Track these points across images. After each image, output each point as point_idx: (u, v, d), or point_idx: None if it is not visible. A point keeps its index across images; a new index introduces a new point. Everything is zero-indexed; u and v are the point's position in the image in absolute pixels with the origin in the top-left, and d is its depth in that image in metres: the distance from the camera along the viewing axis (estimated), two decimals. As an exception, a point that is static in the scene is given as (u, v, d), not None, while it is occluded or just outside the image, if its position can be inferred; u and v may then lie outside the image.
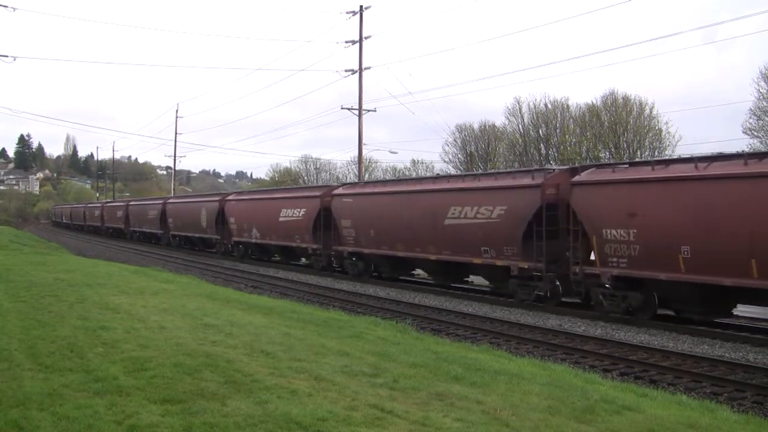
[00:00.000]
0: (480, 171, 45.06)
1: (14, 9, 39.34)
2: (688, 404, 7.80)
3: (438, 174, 27.64)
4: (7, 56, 34.93)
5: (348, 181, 36.22)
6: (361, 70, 34.64)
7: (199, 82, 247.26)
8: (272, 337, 9.83)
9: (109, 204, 65.91)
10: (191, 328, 10.41)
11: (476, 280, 21.59)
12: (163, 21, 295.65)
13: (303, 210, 27.21)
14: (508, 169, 20.73)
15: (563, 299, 17.27)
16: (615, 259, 14.74)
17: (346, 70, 35.40)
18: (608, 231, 14.79)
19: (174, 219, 43.07)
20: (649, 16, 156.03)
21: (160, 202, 47.45)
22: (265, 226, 30.41)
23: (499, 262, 17.79)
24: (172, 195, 56.17)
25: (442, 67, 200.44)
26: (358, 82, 34.69)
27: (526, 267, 16.91)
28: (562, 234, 16.32)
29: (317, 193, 26.90)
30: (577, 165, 18.76)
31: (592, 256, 15.70)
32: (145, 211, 50.39)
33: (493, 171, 24.35)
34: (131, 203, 56.25)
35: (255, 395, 6.43)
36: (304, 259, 30.58)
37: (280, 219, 28.72)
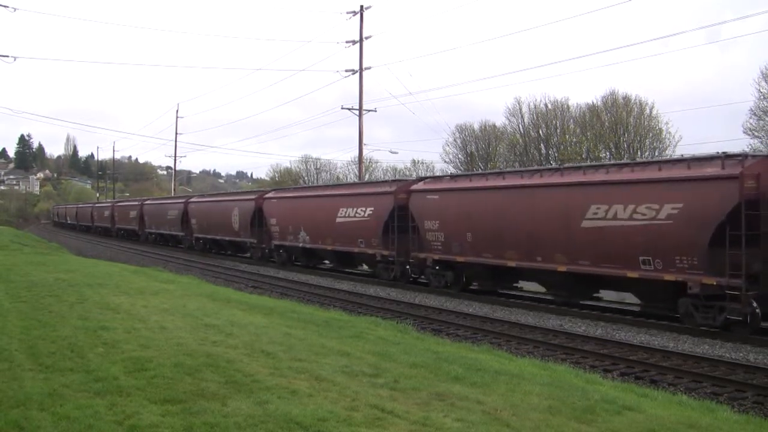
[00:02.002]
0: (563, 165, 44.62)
1: (14, 9, 39.35)
2: (689, 404, 7.80)
3: (564, 164, 21.95)
4: (7, 56, 35.01)
5: (430, 175, 31.35)
6: (361, 70, 34.65)
7: (200, 82, 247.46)
8: (273, 338, 9.83)
9: (120, 203, 61.03)
10: (192, 328, 10.41)
11: (607, 294, 18.46)
12: (164, 21, 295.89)
13: (370, 209, 22.93)
14: (679, 156, 16.01)
15: (763, 325, 13.44)
16: None
17: (346, 70, 35.45)
18: None
19: (198, 220, 39.02)
20: (651, 15, 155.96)
21: (182, 201, 43.34)
22: (317, 229, 26.25)
23: (668, 276, 13.85)
24: (195, 193, 53.09)
25: (443, 67, 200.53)
26: (358, 83, 34.74)
27: (713, 283, 13.08)
28: (764, 239, 12.64)
29: (390, 189, 22.44)
30: None
31: None
32: (163, 211, 46.14)
33: (655, 160, 18.47)
34: (147, 202, 52.03)
35: (255, 395, 6.43)
36: (365, 267, 26.48)
37: (338, 220, 24.53)
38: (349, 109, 35.60)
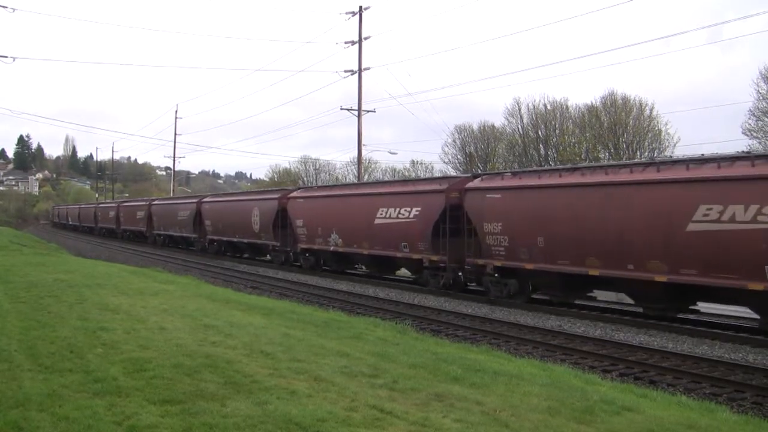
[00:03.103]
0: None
1: (14, 9, 39.36)
2: (688, 405, 7.80)
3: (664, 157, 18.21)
4: (7, 56, 35.09)
5: (487, 172, 27.38)
6: (360, 70, 34.67)
7: (199, 82, 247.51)
8: (272, 338, 9.83)
9: (126, 203, 58.19)
10: (191, 328, 10.40)
11: (709, 307, 16.26)
12: (164, 21, 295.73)
13: (416, 209, 20.65)
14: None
15: None
16: None
17: (345, 71, 35.48)
18: None
19: (213, 221, 36.63)
20: (652, 15, 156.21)
21: (194, 201, 40.78)
22: (352, 231, 23.87)
23: None
24: (208, 193, 48.83)
25: (442, 67, 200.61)
26: (357, 83, 34.75)
27: None
28: None
29: (441, 187, 20.18)
30: None
31: None
32: (173, 211, 43.61)
33: None
34: (155, 202, 49.44)
35: (254, 396, 6.43)
36: (405, 271, 24.45)
37: (377, 221, 22.20)
38: (348, 109, 35.64)
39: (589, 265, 15.37)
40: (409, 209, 20.92)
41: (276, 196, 30.24)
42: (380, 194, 22.97)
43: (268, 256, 32.17)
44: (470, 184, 19.03)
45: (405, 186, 22.85)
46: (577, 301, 17.34)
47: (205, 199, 39.50)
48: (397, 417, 5.97)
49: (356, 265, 26.90)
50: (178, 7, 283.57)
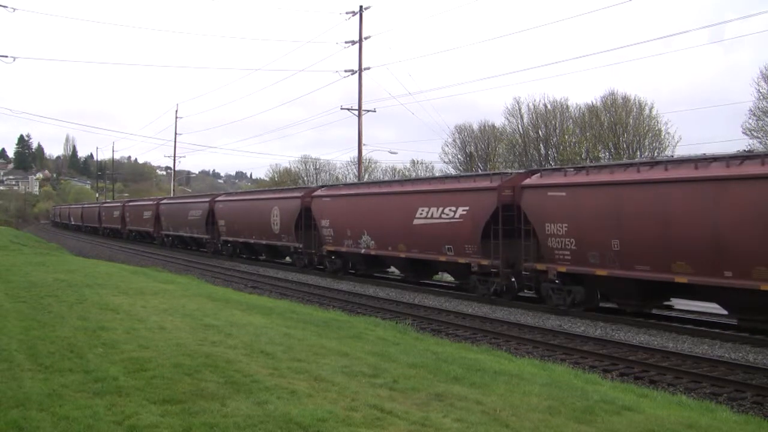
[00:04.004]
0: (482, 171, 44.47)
1: (14, 9, 39.39)
2: (688, 404, 7.81)
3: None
4: (7, 56, 35.11)
5: (546, 167, 24.29)
6: (360, 70, 34.67)
7: (200, 82, 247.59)
8: (272, 338, 9.83)
9: (133, 203, 55.90)
10: (191, 328, 10.41)
11: None
12: (164, 21, 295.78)
13: (463, 209, 18.76)
14: None
15: None
16: None
17: (345, 71, 35.48)
18: None
19: (227, 221, 34.60)
20: (653, 15, 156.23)
21: (206, 200, 38.48)
22: (386, 232, 22.01)
23: None
24: (221, 192, 46.18)
25: (443, 67, 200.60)
26: (357, 83, 34.75)
27: None
28: None
29: (492, 184, 18.08)
30: None
31: None
32: (183, 211, 41.13)
33: None
34: (163, 202, 47.05)
35: (255, 396, 6.43)
36: (445, 276, 22.96)
37: (416, 222, 20.40)
38: (348, 109, 35.63)
39: (676, 271, 13.54)
40: (454, 209, 19.07)
41: (299, 194, 28.24)
42: (420, 192, 20.97)
43: (288, 259, 30.69)
44: (528, 181, 17.14)
45: (449, 183, 20.51)
46: (653, 311, 15.83)
47: (219, 198, 37.30)
48: (398, 417, 5.97)
49: (387, 269, 25.42)
50: (179, 7, 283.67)
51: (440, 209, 19.56)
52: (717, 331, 13.82)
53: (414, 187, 21.92)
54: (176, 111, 66.84)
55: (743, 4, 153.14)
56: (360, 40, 34.58)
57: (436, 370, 8.12)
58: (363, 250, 23.30)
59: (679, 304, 16.34)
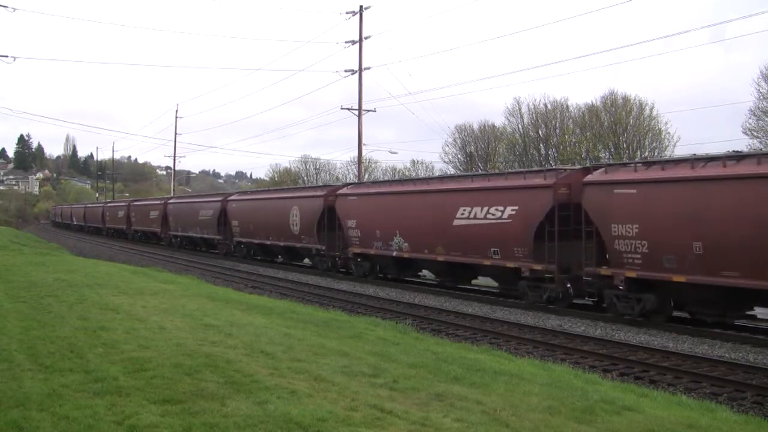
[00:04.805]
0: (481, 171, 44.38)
1: (14, 9, 39.33)
2: (688, 404, 7.81)
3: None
4: (7, 56, 35.06)
5: (608, 161, 23.01)
6: (360, 70, 34.68)
7: (200, 82, 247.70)
8: (272, 338, 9.83)
9: (138, 203, 54.59)
10: (191, 328, 10.41)
11: None
12: (164, 21, 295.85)
13: (512, 208, 17.27)
14: None
15: None
16: None
17: (346, 71, 35.48)
18: None
19: (241, 222, 33.19)
20: (653, 15, 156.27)
21: (218, 199, 37.13)
22: (421, 234, 20.53)
23: None
24: (234, 191, 44.67)
25: (443, 67, 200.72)
26: (357, 83, 34.76)
27: None
28: None
29: (546, 181, 16.64)
30: None
31: None
32: (193, 211, 39.64)
33: None
34: (171, 201, 45.53)
35: (255, 395, 6.43)
36: (479, 280, 21.59)
37: (456, 222, 18.96)
38: (348, 109, 35.63)
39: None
40: (501, 208, 17.56)
41: (321, 193, 26.65)
42: (461, 191, 19.41)
43: (306, 261, 29.39)
44: (590, 177, 15.64)
45: (495, 181, 18.78)
46: (736, 322, 14.45)
47: (232, 197, 35.70)
48: (398, 416, 5.97)
49: (419, 273, 24.16)
50: (179, 7, 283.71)
51: (485, 209, 18.10)
52: (717, 330, 13.81)
53: (454, 185, 20.18)
54: (176, 111, 66.86)
55: (744, 4, 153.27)
56: (360, 40, 34.58)
57: (436, 370, 8.12)
58: (395, 253, 21.89)
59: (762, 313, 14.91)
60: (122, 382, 6.81)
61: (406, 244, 21.32)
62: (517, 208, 17.16)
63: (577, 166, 19.02)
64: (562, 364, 10.61)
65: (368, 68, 34.91)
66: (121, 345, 8.77)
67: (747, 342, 12.78)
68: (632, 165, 15.27)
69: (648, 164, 14.99)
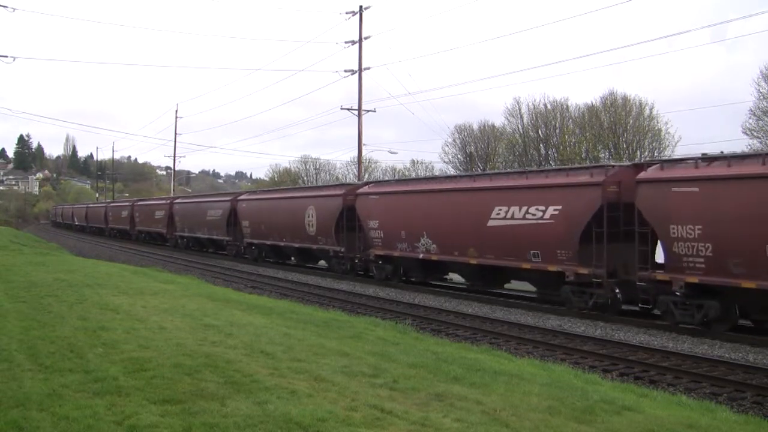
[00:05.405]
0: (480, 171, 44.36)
1: (14, 9, 39.36)
2: (688, 404, 7.81)
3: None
4: (7, 56, 35.11)
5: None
6: (360, 70, 34.68)
7: (200, 82, 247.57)
8: (272, 338, 9.83)
9: (142, 203, 53.29)
10: (191, 328, 10.41)
11: None
12: (164, 21, 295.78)
13: (555, 207, 16.16)
14: None
15: None
16: None
17: (345, 71, 35.49)
18: None
19: (252, 222, 31.98)
20: (654, 15, 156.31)
21: (228, 199, 35.70)
22: (452, 235, 19.34)
23: None
24: (244, 190, 43.40)
25: (443, 67, 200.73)
26: (357, 83, 34.76)
27: None
28: None
29: (593, 179, 15.58)
30: None
31: None
32: (200, 211, 38.37)
33: None
34: (176, 201, 44.34)
35: (255, 395, 6.43)
36: (512, 284, 20.25)
37: (490, 223, 17.76)
38: (348, 109, 35.64)
39: None
40: (543, 208, 16.40)
41: (340, 192, 25.35)
42: (497, 189, 18.14)
43: (322, 262, 28.25)
44: (644, 175, 14.47)
45: (534, 178, 17.53)
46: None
47: (242, 197, 34.37)
48: (398, 417, 5.97)
49: (446, 276, 22.94)
50: (179, 7, 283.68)
51: (523, 208, 16.88)
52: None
53: (489, 183, 18.81)
54: (176, 111, 66.84)
55: (745, 4, 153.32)
56: (360, 40, 34.59)
57: (436, 370, 8.12)
58: (421, 255, 20.65)
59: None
60: (122, 382, 6.81)
61: (434, 245, 20.09)
62: (560, 207, 16.04)
63: (626, 162, 17.45)
64: (562, 364, 10.61)
65: (368, 68, 34.96)
66: (121, 345, 8.77)
67: (747, 342, 12.72)
68: (692, 161, 14.02)
69: (709, 160, 13.73)
